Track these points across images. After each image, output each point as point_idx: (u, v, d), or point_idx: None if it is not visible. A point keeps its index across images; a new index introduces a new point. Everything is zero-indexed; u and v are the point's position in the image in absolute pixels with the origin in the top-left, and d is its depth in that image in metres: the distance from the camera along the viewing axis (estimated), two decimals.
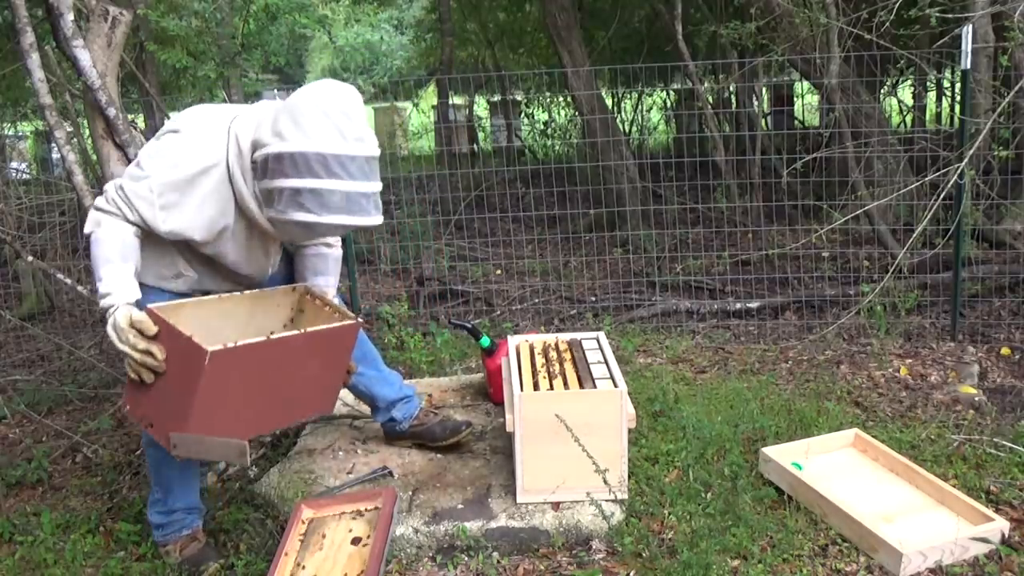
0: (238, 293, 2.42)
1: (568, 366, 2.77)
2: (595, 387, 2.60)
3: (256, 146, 2.16)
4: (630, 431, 2.61)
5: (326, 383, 2.40)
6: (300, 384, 2.30)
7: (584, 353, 2.87)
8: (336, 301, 2.52)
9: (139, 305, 2.17)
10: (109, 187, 2.22)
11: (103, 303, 2.15)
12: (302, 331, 2.23)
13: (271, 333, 2.24)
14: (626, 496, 2.61)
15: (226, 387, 2.11)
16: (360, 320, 2.38)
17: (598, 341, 2.99)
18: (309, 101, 2.09)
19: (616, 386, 2.59)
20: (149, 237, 2.26)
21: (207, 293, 2.44)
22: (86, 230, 2.22)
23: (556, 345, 2.96)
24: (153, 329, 2.11)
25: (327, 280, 2.61)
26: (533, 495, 2.60)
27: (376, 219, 2.15)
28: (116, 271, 2.17)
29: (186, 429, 2.08)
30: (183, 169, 2.18)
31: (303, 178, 2.06)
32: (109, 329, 2.13)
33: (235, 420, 2.18)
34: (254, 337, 2.17)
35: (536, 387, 2.63)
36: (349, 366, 2.46)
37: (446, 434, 2.92)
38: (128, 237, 2.19)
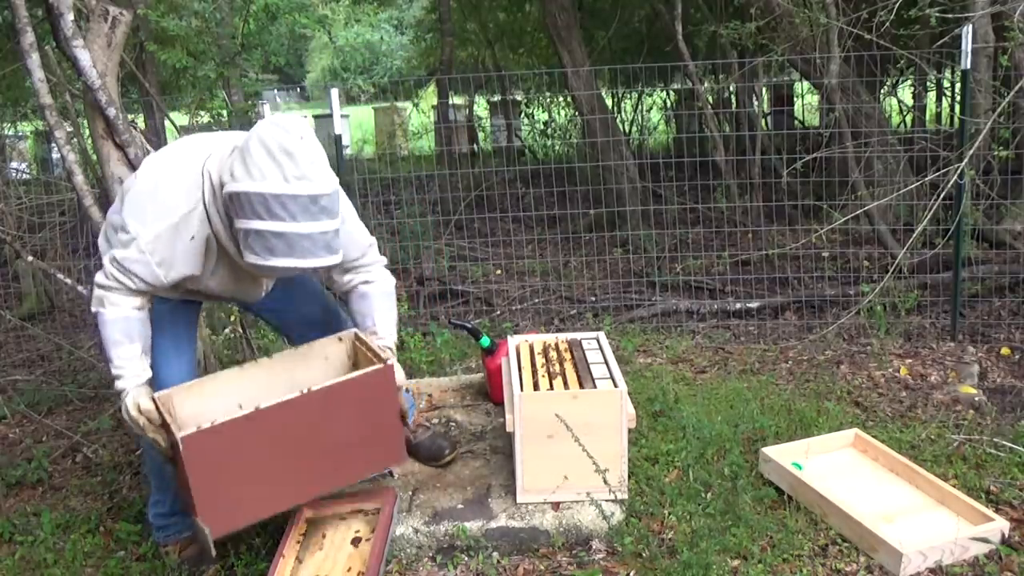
0: (277, 354, 2.41)
1: (568, 366, 2.77)
2: (595, 387, 2.60)
3: (220, 186, 2.10)
4: (630, 431, 2.61)
5: (380, 433, 2.28)
6: (343, 439, 2.22)
7: (584, 353, 2.87)
8: (378, 343, 2.39)
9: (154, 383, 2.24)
10: (106, 261, 2.20)
11: (116, 385, 2.21)
12: (304, 391, 2.15)
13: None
14: (626, 496, 2.61)
15: (225, 465, 2.09)
16: (390, 363, 2.25)
17: (598, 341, 2.99)
18: (256, 140, 2.01)
19: (616, 386, 2.59)
20: None
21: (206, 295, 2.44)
22: (92, 309, 2.23)
23: (556, 345, 2.96)
24: (158, 419, 2.15)
25: (377, 319, 2.46)
26: (533, 495, 2.60)
27: (326, 260, 2.05)
28: (125, 353, 2.20)
29: (197, 513, 2.10)
30: (165, 220, 2.13)
31: (248, 220, 1.99)
32: (123, 413, 2.19)
33: (271, 490, 2.16)
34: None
35: (536, 387, 2.63)
36: (401, 410, 2.38)
37: (430, 453, 2.87)
38: (132, 313, 2.21)
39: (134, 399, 2.17)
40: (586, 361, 2.80)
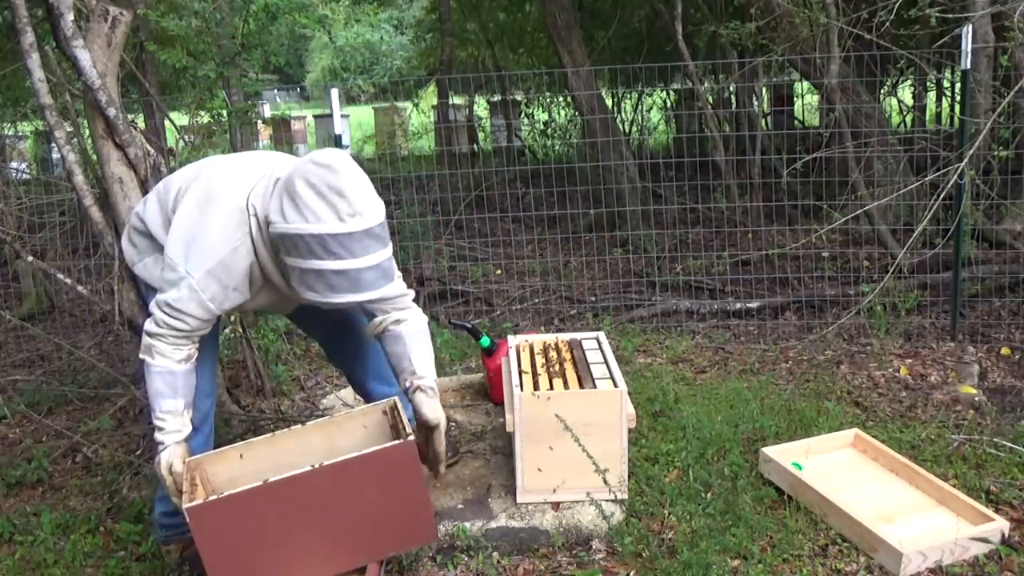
0: (312, 422, 2.39)
1: (568, 366, 2.77)
2: (595, 387, 2.60)
3: (267, 222, 2.11)
4: (630, 431, 2.61)
5: (405, 509, 2.20)
6: (363, 515, 2.17)
7: (584, 353, 2.87)
8: (418, 383, 2.36)
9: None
10: (154, 308, 2.20)
11: (156, 436, 2.24)
12: (315, 466, 2.11)
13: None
14: (626, 496, 2.61)
15: (235, 537, 2.07)
16: (410, 439, 2.16)
17: (598, 341, 2.99)
18: (302, 182, 2.01)
19: (616, 386, 2.59)
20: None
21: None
22: (141, 355, 2.23)
23: (556, 345, 2.96)
24: (178, 488, 2.20)
25: (414, 359, 2.41)
26: (533, 495, 2.60)
27: (385, 287, 2.09)
28: (167, 406, 2.22)
29: None
30: (214, 256, 2.14)
31: (306, 260, 2.01)
32: (155, 465, 2.25)
33: (285, 564, 2.13)
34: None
35: (536, 387, 2.63)
36: (436, 456, 2.36)
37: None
38: (178, 367, 2.22)
39: (168, 459, 2.21)
40: (586, 361, 2.80)
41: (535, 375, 2.71)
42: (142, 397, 3.57)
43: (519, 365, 2.77)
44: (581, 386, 2.62)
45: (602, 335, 3.03)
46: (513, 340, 2.97)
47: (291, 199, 2.02)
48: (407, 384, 2.40)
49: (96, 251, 4.75)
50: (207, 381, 2.45)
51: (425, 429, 2.35)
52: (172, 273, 2.17)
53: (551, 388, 2.62)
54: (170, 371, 2.21)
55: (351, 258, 2.00)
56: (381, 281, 2.06)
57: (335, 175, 2.00)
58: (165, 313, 2.17)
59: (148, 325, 2.21)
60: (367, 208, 2.02)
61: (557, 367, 2.75)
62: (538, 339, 3.03)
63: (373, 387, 2.74)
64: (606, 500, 2.50)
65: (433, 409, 2.34)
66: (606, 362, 2.79)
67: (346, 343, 2.73)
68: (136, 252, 2.44)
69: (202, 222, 2.18)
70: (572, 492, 2.59)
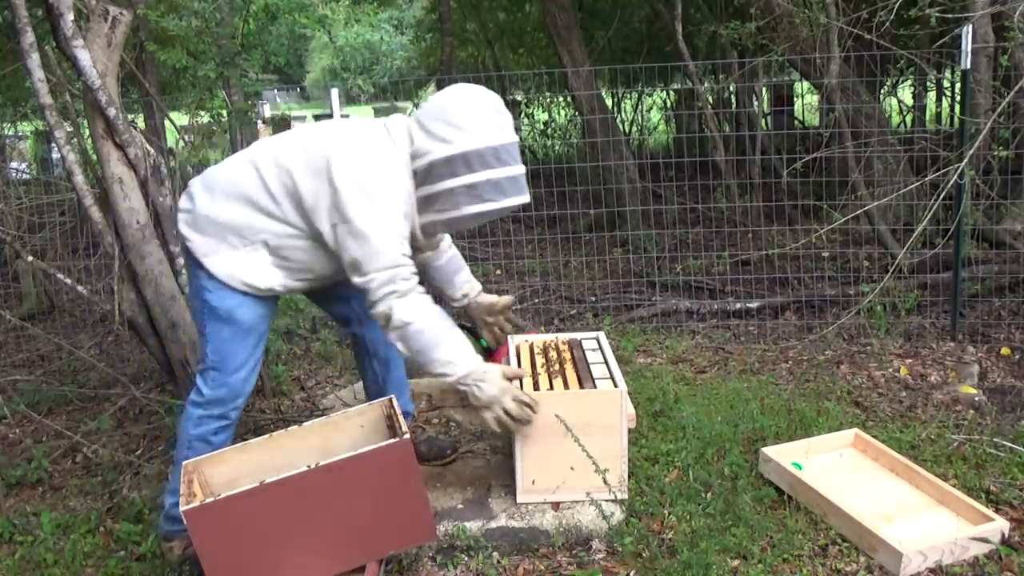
0: (310, 422, 2.41)
1: (568, 366, 2.77)
2: (595, 387, 2.60)
3: (416, 155, 2.27)
4: (630, 431, 2.61)
5: (403, 509, 2.22)
6: (361, 515, 2.17)
7: (584, 353, 2.87)
8: (487, 299, 2.62)
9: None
10: (379, 276, 2.25)
11: (465, 377, 2.35)
12: (310, 466, 2.12)
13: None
14: (626, 496, 2.61)
15: (233, 539, 2.08)
16: (406, 437, 2.19)
17: (598, 341, 2.99)
18: (458, 104, 2.24)
19: (616, 386, 2.59)
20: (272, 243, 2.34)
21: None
22: (401, 320, 2.27)
23: (556, 345, 2.96)
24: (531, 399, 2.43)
25: (467, 272, 2.83)
26: (533, 495, 2.60)
27: (528, 196, 2.32)
28: (456, 339, 2.36)
29: None
30: (396, 200, 2.27)
31: (476, 172, 2.21)
32: (491, 390, 2.41)
33: (283, 565, 2.13)
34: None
35: (536, 387, 2.63)
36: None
37: (431, 454, 2.90)
38: (436, 306, 2.35)
39: (497, 374, 2.39)
40: (586, 361, 2.80)
41: (535, 375, 2.71)
42: (143, 397, 3.58)
43: (519, 365, 2.77)
44: (581, 386, 2.62)
45: (602, 335, 3.03)
46: (513, 340, 2.97)
47: (448, 122, 2.22)
48: (470, 286, 2.81)
49: (96, 251, 4.75)
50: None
51: (500, 311, 2.79)
52: (376, 235, 2.21)
53: (551, 388, 2.62)
54: (438, 311, 2.33)
55: (516, 164, 2.27)
56: (527, 189, 2.31)
57: (484, 96, 2.27)
58: (392, 268, 2.24)
59: (398, 288, 2.25)
60: (512, 125, 2.30)
61: (557, 367, 2.75)
62: (538, 339, 3.03)
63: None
64: (606, 500, 2.49)
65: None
66: (606, 362, 2.79)
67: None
68: (210, 242, 2.37)
69: (370, 182, 2.23)
70: (572, 492, 2.59)
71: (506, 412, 2.38)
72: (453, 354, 2.31)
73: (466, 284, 2.83)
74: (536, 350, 2.92)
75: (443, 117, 2.24)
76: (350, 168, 2.22)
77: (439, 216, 2.29)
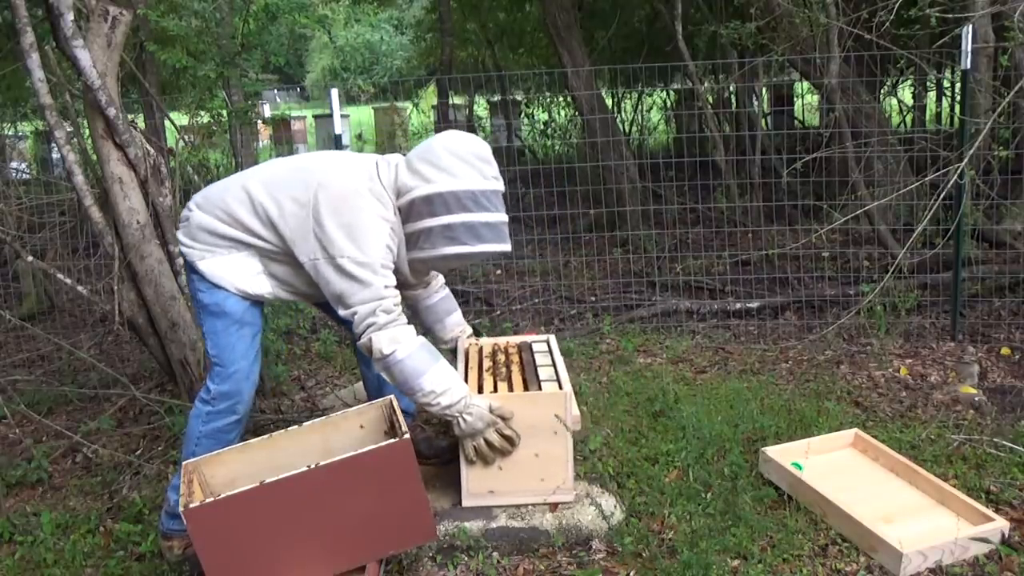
0: (309, 423, 2.41)
1: (515, 368, 2.74)
2: (540, 389, 2.57)
3: (400, 192, 2.34)
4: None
5: (403, 509, 2.21)
6: (361, 515, 2.17)
7: (533, 356, 2.84)
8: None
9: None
10: (364, 310, 2.30)
11: (449, 407, 2.38)
12: (310, 466, 2.12)
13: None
14: (572, 498, 2.59)
15: (233, 538, 2.08)
16: (406, 438, 2.18)
17: (548, 344, 2.95)
18: (445, 150, 2.31)
19: (561, 388, 2.56)
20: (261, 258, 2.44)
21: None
22: (384, 354, 2.31)
23: (505, 348, 2.93)
24: (510, 411, 2.46)
25: (459, 315, 2.91)
26: (478, 499, 2.57)
27: (509, 246, 2.38)
28: (443, 371, 2.37)
29: None
30: (379, 233, 2.31)
31: (454, 214, 2.26)
32: (478, 424, 2.45)
33: (283, 564, 2.13)
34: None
35: (480, 389, 2.59)
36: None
37: (431, 454, 2.89)
38: (421, 339, 2.39)
39: (482, 407, 2.42)
40: (534, 364, 2.76)
41: (480, 377, 2.68)
42: (143, 397, 3.58)
43: (466, 367, 2.73)
44: (526, 388, 2.58)
45: (552, 338, 2.99)
46: (462, 344, 2.92)
47: (431, 164, 2.30)
48: (461, 330, 2.89)
49: (96, 251, 4.75)
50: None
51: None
52: (357, 268, 2.28)
53: (495, 390, 2.58)
54: (422, 342, 2.37)
55: (496, 211, 2.32)
56: (508, 238, 2.37)
57: (471, 143, 2.34)
58: (381, 300, 2.29)
59: (377, 320, 2.30)
60: (498, 176, 2.36)
61: (504, 370, 2.71)
62: (487, 342, 2.99)
63: None
64: (555, 501, 2.50)
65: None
66: (554, 364, 2.75)
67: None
68: (203, 248, 2.46)
69: (353, 215, 2.29)
70: (518, 495, 2.56)
71: (487, 443, 2.45)
72: (436, 384, 2.35)
73: (457, 327, 2.91)
74: (484, 353, 2.88)
75: (428, 158, 2.32)
76: (334, 204, 2.30)
77: (420, 254, 2.36)
